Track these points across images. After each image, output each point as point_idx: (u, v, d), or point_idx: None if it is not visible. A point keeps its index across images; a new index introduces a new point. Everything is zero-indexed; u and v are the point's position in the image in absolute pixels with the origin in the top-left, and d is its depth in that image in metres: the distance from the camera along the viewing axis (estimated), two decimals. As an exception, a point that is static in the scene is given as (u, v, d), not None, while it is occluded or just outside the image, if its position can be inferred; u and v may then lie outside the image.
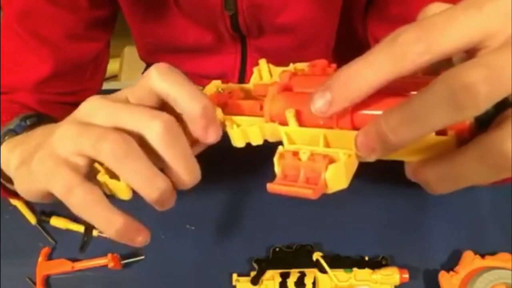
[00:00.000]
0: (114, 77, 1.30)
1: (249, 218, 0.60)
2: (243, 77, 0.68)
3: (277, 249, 0.57)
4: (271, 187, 0.29)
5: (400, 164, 0.29)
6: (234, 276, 0.56)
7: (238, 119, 0.34)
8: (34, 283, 0.57)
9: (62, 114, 0.60)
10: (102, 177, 0.34)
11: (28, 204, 0.61)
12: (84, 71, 0.65)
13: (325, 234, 0.59)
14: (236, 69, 0.67)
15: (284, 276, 0.55)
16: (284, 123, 0.31)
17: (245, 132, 0.34)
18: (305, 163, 0.28)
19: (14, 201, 0.61)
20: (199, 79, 0.71)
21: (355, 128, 0.28)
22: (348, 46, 0.69)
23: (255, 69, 0.37)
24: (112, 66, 1.35)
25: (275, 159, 0.30)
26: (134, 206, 0.64)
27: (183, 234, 0.59)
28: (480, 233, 0.59)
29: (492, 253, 0.56)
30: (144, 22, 0.65)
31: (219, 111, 0.34)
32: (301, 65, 0.35)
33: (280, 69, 0.36)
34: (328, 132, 0.29)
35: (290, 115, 0.30)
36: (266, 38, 0.63)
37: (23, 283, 0.57)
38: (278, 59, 0.66)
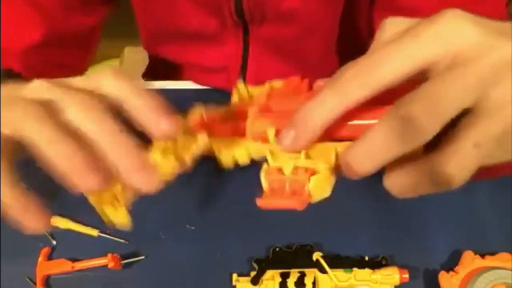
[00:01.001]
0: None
1: (249, 218, 0.60)
2: (244, 70, 0.68)
3: (277, 249, 0.57)
4: (260, 202, 0.30)
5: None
6: (234, 276, 0.56)
7: (224, 142, 0.36)
8: (34, 283, 0.57)
9: (71, 56, 0.62)
10: (103, 207, 0.35)
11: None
12: (74, 46, 0.65)
13: (325, 234, 0.59)
14: (238, 62, 0.67)
15: (284, 276, 0.55)
16: (267, 141, 0.32)
17: (233, 153, 0.36)
18: (289, 177, 0.30)
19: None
20: (201, 72, 0.71)
21: (332, 139, 0.30)
22: (351, 40, 0.70)
23: (234, 91, 0.39)
24: (112, 66, 1.35)
25: (262, 176, 0.31)
26: (135, 207, 0.64)
27: (183, 234, 0.59)
28: (480, 233, 0.59)
29: (492, 253, 0.56)
30: (147, 2, 0.65)
31: (204, 136, 0.36)
32: (277, 83, 0.37)
33: (257, 89, 0.38)
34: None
35: (271, 134, 0.32)
36: (268, 26, 0.63)
37: (23, 283, 0.57)
38: (279, 49, 0.67)
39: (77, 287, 0.57)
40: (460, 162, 0.24)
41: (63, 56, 0.65)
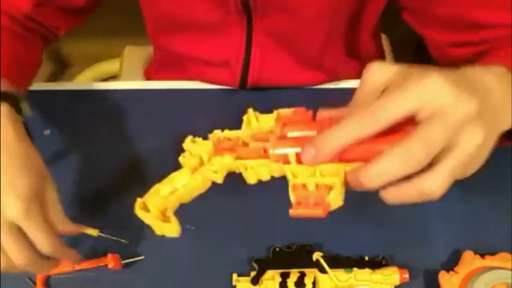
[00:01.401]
0: (114, 77, 1.30)
1: (249, 218, 0.60)
2: (247, 65, 0.68)
3: (277, 249, 0.57)
4: (292, 212, 0.39)
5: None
6: (234, 276, 0.56)
7: (249, 162, 0.43)
8: (34, 283, 0.57)
9: (60, 21, 0.68)
10: (154, 221, 0.44)
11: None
12: (66, 13, 0.68)
13: (325, 234, 0.59)
14: (241, 55, 0.68)
15: (284, 276, 0.55)
16: (287, 162, 0.40)
17: (257, 172, 0.43)
18: (313, 192, 0.39)
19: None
20: (204, 66, 0.71)
21: (341, 160, 0.38)
22: (353, 36, 0.70)
23: (245, 117, 0.48)
24: (112, 66, 1.35)
25: (290, 191, 0.39)
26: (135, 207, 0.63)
27: (183, 234, 0.59)
28: (480, 233, 0.60)
29: (492, 253, 0.56)
30: None
31: (229, 157, 0.44)
32: (284, 111, 0.46)
33: (265, 116, 0.47)
34: (322, 165, 0.38)
35: (292, 157, 0.40)
36: (272, 17, 0.63)
37: (23, 283, 0.57)
38: (282, 41, 0.67)
39: (77, 287, 0.57)
40: (441, 183, 0.36)
41: (55, 20, 0.67)
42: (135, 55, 1.03)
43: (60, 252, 0.49)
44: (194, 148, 0.47)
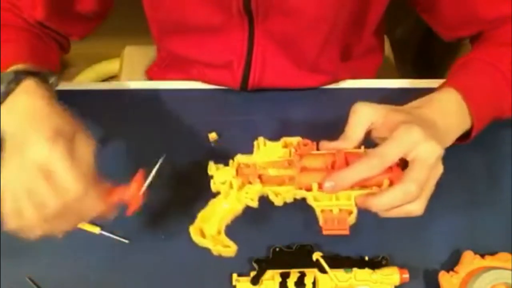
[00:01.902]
0: (114, 77, 1.29)
1: (249, 218, 0.60)
2: (248, 67, 0.69)
3: (277, 249, 0.57)
4: (324, 232, 0.49)
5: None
6: (234, 276, 0.56)
7: (276, 189, 0.52)
8: (35, 283, 0.56)
9: (73, 28, 0.70)
10: (213, 246, 0.51)
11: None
12: (79, 19, 0.69)
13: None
14: (243, 56, 0.68)
15: (284, 276, 0.55)
16: (308, 189, 0.51)
17: (284, 197, 0.52)
18: (336, 215, 0.50)
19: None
20: (207, 68, 0.71)
21: (352, 187, 0.50)
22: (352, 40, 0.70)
23: (255, 143, 0.55)
24: (112, 66, 1.35)
25: (318, 213, 0.50)
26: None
27: (183, 234, 0.59)
28: (480, 233, 0.60)
29: (492, 253, 0.56)
30: None
31: (258, 184, 0.52)
32: (290, 139, 0.54)
33: (272, 143, 0.55)
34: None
35: (315, 187, 0.50)
36: (273, 21, 0.63)
37: (23, 283, 0.57)
38: (283, 45, 0.67)
39: (78, 287, 0.57)
40: (422, 205, 0.50)
41: (68, 26, 0.68)
42: (135, 55, 1.03)
43: (89, 193, 0.47)
44: (220, 175, 0.53)
